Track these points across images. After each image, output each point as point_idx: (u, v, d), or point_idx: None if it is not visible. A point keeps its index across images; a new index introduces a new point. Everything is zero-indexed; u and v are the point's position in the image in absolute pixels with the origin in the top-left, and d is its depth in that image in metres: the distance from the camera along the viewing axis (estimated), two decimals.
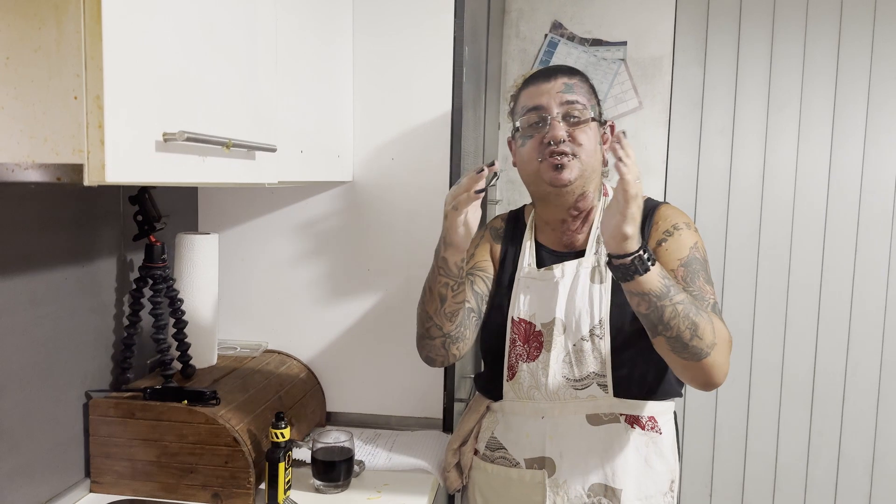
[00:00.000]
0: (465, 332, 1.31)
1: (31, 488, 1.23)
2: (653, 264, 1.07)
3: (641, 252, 1.05)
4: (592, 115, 1.28)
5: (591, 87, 1.33)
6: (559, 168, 1.26)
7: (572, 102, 1.27)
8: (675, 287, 1.10)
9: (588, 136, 1.27)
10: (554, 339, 1.29)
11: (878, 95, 2.46)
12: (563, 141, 1.25)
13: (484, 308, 1.37)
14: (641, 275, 1.06)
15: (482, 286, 1.36)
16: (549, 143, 1.25)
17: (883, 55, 2.45)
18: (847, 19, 2.45)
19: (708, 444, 2.64)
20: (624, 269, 1.07)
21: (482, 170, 1.09)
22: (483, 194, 1.11)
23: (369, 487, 1.40)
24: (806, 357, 2.57)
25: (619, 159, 1.01)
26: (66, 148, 0.74)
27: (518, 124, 1.31)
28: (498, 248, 1.41)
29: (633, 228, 1.03)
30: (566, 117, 1.27)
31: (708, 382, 1.16)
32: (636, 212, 1.02)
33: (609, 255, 1.09)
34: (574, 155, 1.26)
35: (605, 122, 1.36)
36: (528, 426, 1.32)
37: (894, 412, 2.55)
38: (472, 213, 1.13)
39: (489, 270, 1.39)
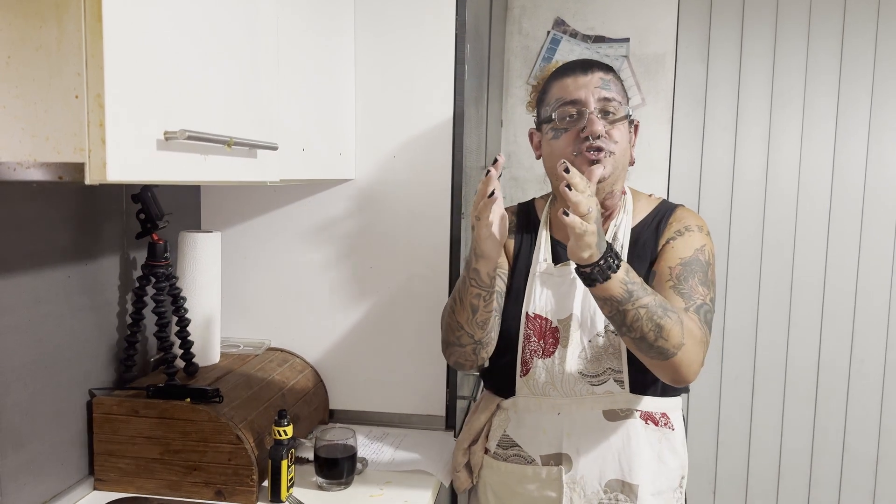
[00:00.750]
0: (493, 334, 1.32)
1: (36, 486, 1.24)
2: (614, 271, 1.08)
3: (601, 262, 1.07)
4: (626, 114, 1.28)
5: (622, 85, 1.32)
6: (594, 164, 1.24)
7: (609, 99, 1.25)
8: (641, 291, 1.10)
9: (622, 132, 1.27)
10: (571, 334, 1.29)
11: (881, 92, 2.45)
12: (601, 136, 1.24)
13: (503, 305, 1.37)
14: (602, 282, 1.08)
15: (501, 284, 1.35)
16: (587, 137, 1.24)
17: (887, 52, 2.44)
18: (850, 16, 2.44)
19: (712, 441, 2.64)
20: (585, 277, 1.09)
21: (488, 171, 1.10)
22: (496, 197, 1.10)
23: (372, 485, 1.40)
24: (810, 353, 2.57)
25: (567, 190, 1.03)
26: (67, 146, 0.74)
27: (553, 116, 1.28)
28: (511, 242, 1.40)
29: (587, 252, 1.06)
30: (603, 113, 1.25)
31: (677, 379, 1.18)
32: (589, 239, 1.05)
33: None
34: (611, 152, 1.25)
35: (633, 121, 1.34)
36: (543, 422, 1.32)
37: None
38: (499, 222, 1.14)
39: (505, 266, 1.38)
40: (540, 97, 1.35)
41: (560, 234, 1.38)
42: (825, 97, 2.48)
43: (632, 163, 1.33)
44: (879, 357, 2.54)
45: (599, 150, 1.23)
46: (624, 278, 1.10)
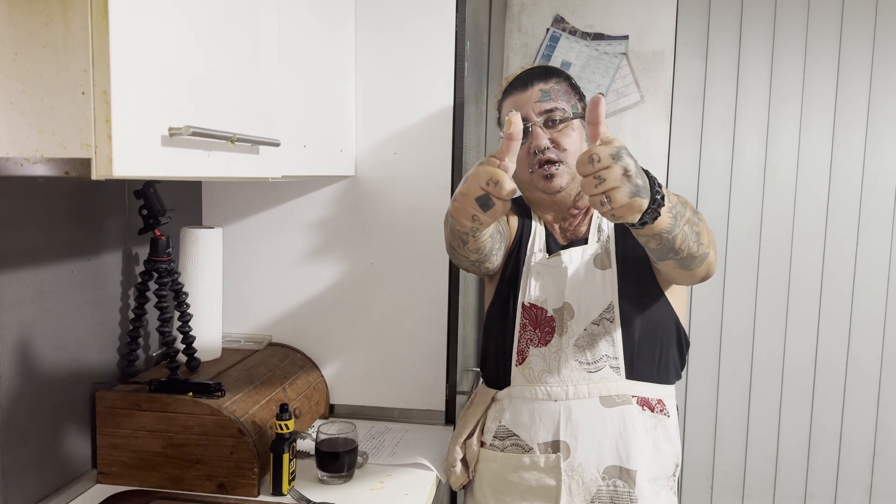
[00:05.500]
0: (494, 251, 1.29)
1: (39, 479, 1.25)
2: (662, 205, 1.00)
3: (652, 205, 0.98)
4: (573, 114, 1.32)
5: (571, 85, 1.37)
6: (550, 178, 1.31)
7: (551, 109, 1.31)
8: (679, 207, 1.06)
9: (572, 138, 1.32)
10: (566, 323, 1.32)
11: (879, 88, 2.46)
12: (548, 148, 1.30)
13: (506, 231, 1.36)
14: (652, 223, 1.01)
15: (503, 225, 1.35)
16: (535, 152, 1.30)
17: (884, 48, 2.45)
18: (848, 13, 2.45)
19: (709, 435, 2.66)
20: (633, 225, 1.02)
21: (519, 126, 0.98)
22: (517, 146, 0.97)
23: (372, 479, 1.41)
24: (807, 349, 2.58)
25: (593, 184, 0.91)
26: (73, 142, 0.75)
27: (502, 135, 1.32)
28: (515, 220, 1.42)
29: (636, 213, 0.95)
30: (547, 123, 1.31)
31: (707, 277, 1.22)
32: (641, 202, 0.93)
33: None
34: (561, 161, 1.31)
35: None
36: (540, 410, 1.33)
37: (895, 403, 2.56)
38: (508, 181, 0.97)
39: (504, 222, 1.38)
40: (498, 118, 1.41)
41: (552, 229, 1.41)
42: (823, 94, 2.49)
43: None
44: (876, 352, 2.55)
45: (550, 162, 1.30)
46: (669, 207, 1.03)
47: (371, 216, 1.70)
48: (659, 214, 1.00)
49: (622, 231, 1.34)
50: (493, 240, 1.28)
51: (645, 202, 0.94)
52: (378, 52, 1.65)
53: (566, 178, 1.31)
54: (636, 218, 0.96)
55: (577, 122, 1.33)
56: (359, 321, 1.74)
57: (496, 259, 1.33)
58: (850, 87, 2.47)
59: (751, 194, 2.56)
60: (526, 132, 1.31)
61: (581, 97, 1.38)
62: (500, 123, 1.40)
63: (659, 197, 0.99)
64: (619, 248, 1.33)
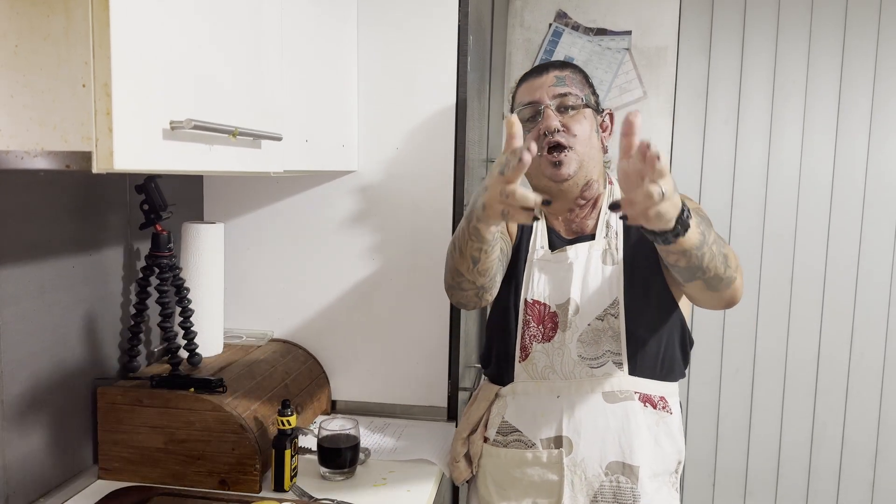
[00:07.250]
0: (497, 278, 1.27)
1: (41, 475, 1.24)
2: (691, 217, 1.01)
3: (682, 215, 0.99)
4: (585, 103, 1.32)
5: (585, 78, 1.38)
6: (558, 164, 1.30)
7: (564, 95, 1.31)
8: (705, 226, 1.08)
9: (583, 125, 1.31)
10: (569, 319, 1.31)
11: (883, 85, 2.45)
12: (558, 130, 1.29)
13: (509, 252, 1.35)
14: (683, 236, 1.01)
15: (505, 243, 1.34)
16: (545, 133, 1.29)
17: (889, 45, 2.44)
18: (852, 9, 2.44)
19: (711, 434, 2.65)
20: (663, 237, 1.02)
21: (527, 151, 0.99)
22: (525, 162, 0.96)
23: (375, 475, 1.41)
24: (810, 346, 2.58)
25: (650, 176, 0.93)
26: (74, 135, 0.74)
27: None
28: (514, 225, 1.41)
29: (669, 222, 0.96)
30: (560, 108, 1.31)
31: (732, 302, 1.20)
32: (673, 212, 0.95)
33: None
34: (570, 147, 1.29)
35: (603, 110, 1.40)
36: (543, 406, 1.34)
37: None
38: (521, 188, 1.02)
39: (506, 239, 1.38)
40: (511, 106, 1.41)
41: (554, 223, 1.39)
42: (826, 90, 2.48)
43: (605, 151, 1.38)
44: (879, 350, 2.55)
45: (559, 148, 1.29)
46: (695, 222, 1.03)
47: (373, 211, 1.69)
48: (688, 227, 1.00)
49: (627, 227, 1.34)
50: (499, 261, 1.26)
51: (675, 214, 0.96)
52: (380, 47, 1.64)
53: (574, 165, 1.30)
54: (669, 225, 0.96)
55: (588, 111, 1.33)
56: (361, 317, 1.73)
57: (498, 280, 1.30)
58: (853, 85, 2.46)
59: (754, 191, 2.55)
60: (537, 115, 1.31)
61: (594, 92, 1.38)
62: (512, 111, 1.40)
63: (686, 215, 0.99)
64: (627, 245, 1.33)
